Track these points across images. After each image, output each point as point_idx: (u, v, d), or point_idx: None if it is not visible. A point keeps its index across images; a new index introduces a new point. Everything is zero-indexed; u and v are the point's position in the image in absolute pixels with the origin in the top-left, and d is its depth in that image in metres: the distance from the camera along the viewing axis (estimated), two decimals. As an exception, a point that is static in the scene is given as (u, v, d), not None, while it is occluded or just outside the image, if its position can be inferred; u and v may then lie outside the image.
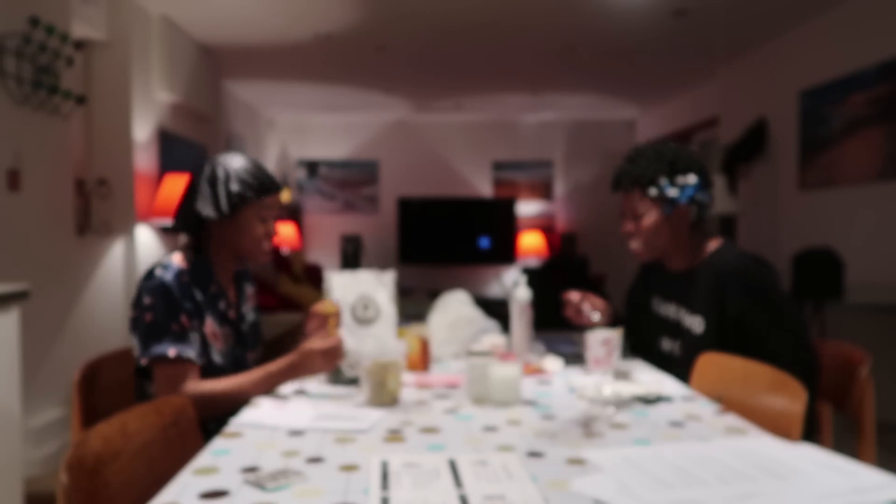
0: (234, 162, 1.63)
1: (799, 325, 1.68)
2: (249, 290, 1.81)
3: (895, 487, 0.94)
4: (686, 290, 1.83)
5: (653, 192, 1.78)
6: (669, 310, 1.90)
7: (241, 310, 1.75)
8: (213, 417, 1.47)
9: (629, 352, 1.95)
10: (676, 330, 1.86)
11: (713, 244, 1.85)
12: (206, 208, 1.60)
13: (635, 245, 1.86)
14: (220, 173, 1.61)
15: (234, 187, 1.60)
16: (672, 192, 1.77)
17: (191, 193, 1.63)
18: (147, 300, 1.52)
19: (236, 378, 1.55)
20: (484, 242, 7.57)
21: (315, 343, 1.53)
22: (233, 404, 1.48)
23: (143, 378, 1.60)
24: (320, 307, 1.71)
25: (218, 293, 1.66)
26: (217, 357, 1.61)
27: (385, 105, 7.01)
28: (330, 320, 1.68)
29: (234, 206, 1.61)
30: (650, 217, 1.80)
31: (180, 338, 1.52)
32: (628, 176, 1.82)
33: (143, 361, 1.50)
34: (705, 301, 1.75)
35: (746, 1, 4.06)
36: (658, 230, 1.81)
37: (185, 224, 1.64)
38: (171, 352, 1.49)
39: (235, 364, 1.67)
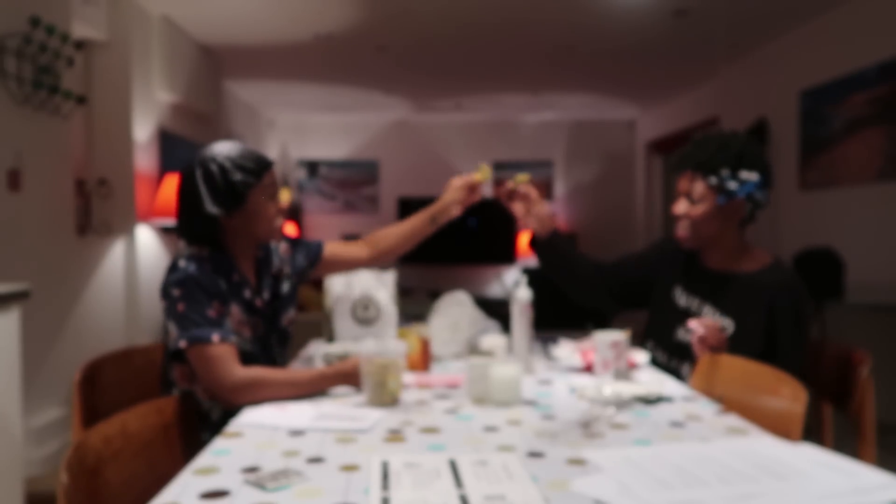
0: (221, 152, 1.60)
1: (805, 353, 1.75)
2: (275, 269, 1.76)
3: (895, 488, 0.94)
4: (719, 290, 1.84)
5: (713, 180, 1.77)
6: (692, 303, 1.90)
7: (263, 296, 1.70)
8: (255, 403, 1.46)
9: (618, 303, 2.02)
10: None
11: (764, 257, 1.85)
12: (213, 207, 1.57)
13: (683, 228, 1.86)
14: (215, 169, 1.57)
15: (236, 176, 1.57)
16: (732, 185, 1.76)
17: (191, 198, 1.59)
18: (176, 292, 1.51)
19: (291, 372, 1.56)
20: (472, 222, 7.53)
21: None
22: (282, 395, 1.49)
23: (168, 364, 1.59)
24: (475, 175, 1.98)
25: (241, 282, 1.64)
26: (246, 345, 1.60)
27: (385, 105, 7.01)
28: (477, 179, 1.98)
29: (241, 195, 1.59)
30: (704, 204, 1.80)
31: (218, 323, 1.51)
32: (693, 158, 1.81)
33: (183, 345, 1.48)
34: (746, 308, 1.76)
35: (746, 1, 4.06)
36: (709, 219, 1.81)
37: (196, 228, 1.60)
38: (215, 336, 1.48)
39: (264, 351, 1.67)
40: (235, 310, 1.61)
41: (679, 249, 1.94)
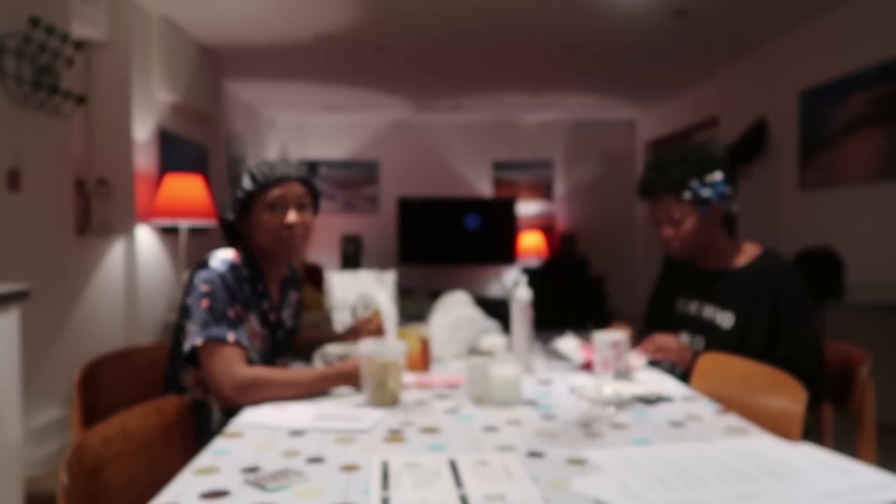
0: (255, 162, 1.71)
1: (817, 333, 1.76)
2: (293, 296, 1.82)
3: (895, 487, 0.94)
4: (717, 287, 1.87)
5: (687, 195, 1.81)
6: (691, 306, 1.94)
7: (280, 315, 1.75)
8: (256, 403, 1.47)
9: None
10: (698, 325, 1.89)
11: (754, 249, 1.89)
12: (227, 213, 1.68)
13: (676, 247, 1.89)
14: (239, 176, 1.68)
15: (245, 184, 1.65)
16: (705, 193, 1.81)
17: (221, 201, 1.70)
18: (204, 288, 1.55)
19: (292, 372, 1.57)
20: (472, 222, 7.53)
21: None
22: (283, 395, 1.49)
23: (179, 367, 1.60)
24: None
25: (263, 293, 1.69)
26: (255, 355, 1.61)
27: (385, 105, 7.01)
28: None
29: (244, 204, 1.65)
30: (689, 220, 1.84)
31: (235, 325, 1.55)
32: (660, 183, 1.84)
33: (199, 342, 1.50)
34: (744, 300, 1.79)
35: (746, 1, 4.06)
36: (698, 231, 1.85)
37: (223, 230, 1.72)
38: (230, 336, 1.51)
39: (268, 365, 1.68)
40: (252, 318, 1.64)
41: (677, 260, 1.99)
